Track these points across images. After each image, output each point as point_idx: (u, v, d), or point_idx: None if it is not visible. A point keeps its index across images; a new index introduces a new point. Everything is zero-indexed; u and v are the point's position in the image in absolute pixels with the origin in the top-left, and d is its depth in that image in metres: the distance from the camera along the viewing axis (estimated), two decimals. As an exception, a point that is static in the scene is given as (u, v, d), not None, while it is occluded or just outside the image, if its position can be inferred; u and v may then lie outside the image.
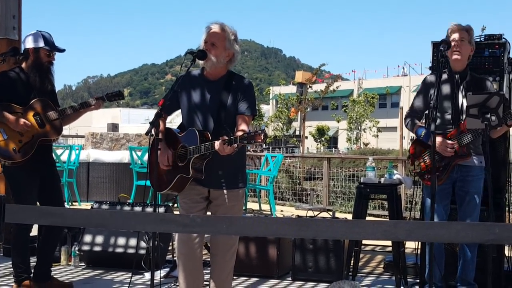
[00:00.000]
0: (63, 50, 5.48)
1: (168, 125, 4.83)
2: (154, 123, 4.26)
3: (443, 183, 5.17)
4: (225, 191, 4.56)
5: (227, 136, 4.13)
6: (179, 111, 4.80)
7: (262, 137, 4.00)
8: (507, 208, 5.93)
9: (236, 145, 4.09)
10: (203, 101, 4.59)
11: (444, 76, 5.21)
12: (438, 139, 5.03)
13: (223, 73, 4.61)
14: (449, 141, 5.06)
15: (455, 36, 5.08)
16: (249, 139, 4.04)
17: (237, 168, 4.66)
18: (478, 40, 5.68)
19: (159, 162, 4.59)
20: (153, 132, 4.25)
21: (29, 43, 5.36)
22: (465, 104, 4.97)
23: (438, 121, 5.05)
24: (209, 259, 4.91)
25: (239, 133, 4.18)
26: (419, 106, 5.38)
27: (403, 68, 66.97)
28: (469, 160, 5.08)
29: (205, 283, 4.92)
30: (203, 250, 4.74)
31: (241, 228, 2.31)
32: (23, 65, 5.39)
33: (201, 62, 4.53)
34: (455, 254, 5.51)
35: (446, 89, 5.18)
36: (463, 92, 5.08)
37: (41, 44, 5.32)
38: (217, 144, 4.16)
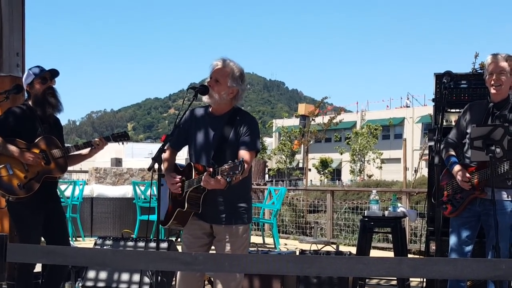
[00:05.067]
0: (52, 70, 5.48)
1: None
2: (156, 159, 4.26)
3: (458, 215, 5.08)
4: (225, 226, 4.54)
5: (213, 169, 4.14)
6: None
7: (239, 168, 4.00)
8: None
9: (221, 178, 4.09)
10: (205, 136, 4.60)
11: (482, 104, 5.08)
12: (458, 170, 4.99)
13: (228, 109, 4.62)
14: (467, 175, 4.96)
15: (493, 69, 4.93)
16: (228, 171, 4.03)
17: (241, 203, 4.59)
18: (472, 68, 5.63)
19: (170, 189, 4.59)
20: (155, 168, 4.25)
21: (25, 83, 5.47)
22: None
23: (469, 152, 5.00)
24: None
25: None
26: (454, 134, 5.26)
27: (407, 99, 66.97)
28: (487, 195, 4.88)
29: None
30: (203, 285, 4.72)
31: (243, 266, 2.30)
32: (30, 102, 5.45)
33: (204, 97, 4.55)
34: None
35: (479, 118, 5.02)
36: (496, 122, 4.91)
37: (31, 78, 5.39)
38: (203, 178, 4.19)
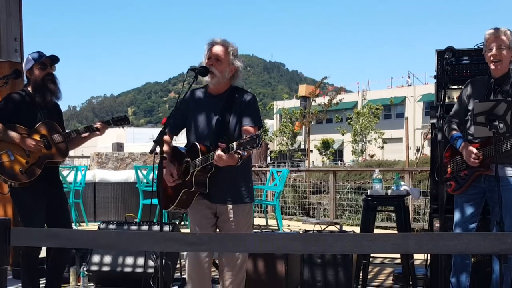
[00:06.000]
0: (52, 56, 5.45)
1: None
2: (158, 141, 4.25)
3: (462, 192, 5.06)
4: (230, 206, 4.55)
5: (226, 145, 4.13)
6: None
7: (257, 141, 3.99)
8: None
9: (236, 155, 4.09)
10: (205, 116, 4.60)
11: (483, 80, 5.04)
12: (466, 146, 4.96)
13: (225, 89, 4.61)
14: (474, 150, 4.91)
15: (492, 43, 4.87)
16: (244, 144, 4.02)
17: (243, 183, 4.63)
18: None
19: (165, 180, 4.59)
20: (157, 151, 4.24)
21: (24, 69, 5.45)
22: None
23: (472, 128, 4.96)
24: (217, 276, 4.88)
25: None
26: (456, 111, 5.23)
27: (408, 77, 66.80)
28: (493, 172, 4.75)
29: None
30: (211, 267, 4.72)
31: (248, 245, 2.29)
32: (29, 88, 5.42)
33: (204, 78, 4.53)
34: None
35: (480, 95, 4.97)
36: (498, 97, 4.86)
37: (30, 64, 5.36)
38: (216, 154, 4.17)
